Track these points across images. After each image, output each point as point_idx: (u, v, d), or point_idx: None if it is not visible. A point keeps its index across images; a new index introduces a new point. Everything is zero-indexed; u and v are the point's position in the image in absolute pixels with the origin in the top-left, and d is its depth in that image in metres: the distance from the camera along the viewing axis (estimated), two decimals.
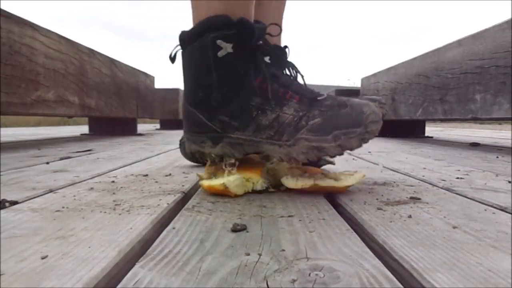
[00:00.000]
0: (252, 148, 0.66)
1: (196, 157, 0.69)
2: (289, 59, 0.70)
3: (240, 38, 0.64)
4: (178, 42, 0.69)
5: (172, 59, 0.70)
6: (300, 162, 0.64)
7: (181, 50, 0.69)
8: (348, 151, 0.63)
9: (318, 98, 0.66)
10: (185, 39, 0.67)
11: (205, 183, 0.65)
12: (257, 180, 0.66)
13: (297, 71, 0.71)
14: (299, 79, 0.71)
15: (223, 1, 0.65)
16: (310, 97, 0.66)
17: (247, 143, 0.66)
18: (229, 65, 0.64)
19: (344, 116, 0.63)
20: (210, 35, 0.63)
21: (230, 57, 0.64)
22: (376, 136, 2.85)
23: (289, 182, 0.66)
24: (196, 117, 0.68)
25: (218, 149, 0.67)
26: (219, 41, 0.63)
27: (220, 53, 0.63)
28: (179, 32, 0.69)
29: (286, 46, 0.70)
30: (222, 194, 0.63)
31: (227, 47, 0.63)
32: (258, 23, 0.67)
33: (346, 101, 0.65)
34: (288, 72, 0.70)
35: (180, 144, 0.94)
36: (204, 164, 0.99)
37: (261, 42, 0.66)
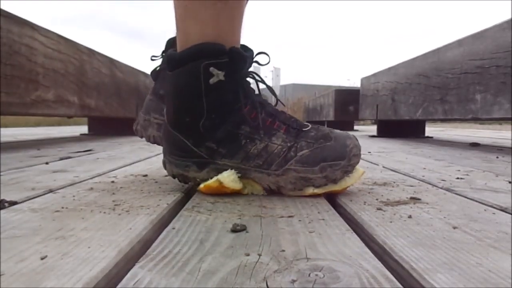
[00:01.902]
0: (240, 175, 0.66)
1: (179, 179, 0.70)
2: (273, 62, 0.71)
3: (232, 66, 0.64)
4: (166, 61, 0.68)
5: (154, 77, 0.70)
6: (286, 191, 0.65)
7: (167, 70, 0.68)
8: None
9: (304, 129, 0.67)
10: (175, 60, 0.66)
11: (201, 184, 0.65)
12: (259, 189, 0.65)
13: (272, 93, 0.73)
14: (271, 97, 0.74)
15: (215, 28, 0.65)
16: (296, 127, 0.67)
17: (234, 169, 0.66)
18: (219, 92, 0.65)
19: (330, 149, 0.65)
20: (203, 61, 0.63)
21: (221, 84, 0.64)
22: (376, 136, 2.83)
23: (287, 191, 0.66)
24: (181, 142, 0.67)
25: (204, 174, 0.66)
26: (211, 68, 0.63)
27: (211, 80, 0.64)
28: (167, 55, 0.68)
29: (263, 52, 0.70)
30: (221, 192, 0.63)
31: (219, 75, 0.64)
32: (247, 51, 0.68)
33: (329, 133, 0.67)
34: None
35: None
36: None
37: (250, 71, 0.67)
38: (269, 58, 0.69)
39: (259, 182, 0.66)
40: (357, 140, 0.68)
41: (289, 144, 0.65)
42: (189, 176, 0.68)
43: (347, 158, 0.65)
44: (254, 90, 0.69)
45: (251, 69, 0.70)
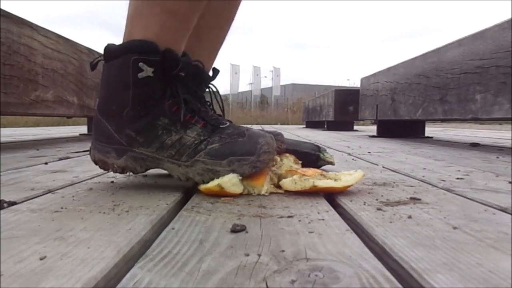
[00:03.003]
0: (154, 164, 0.70)
1: (99, 165, 0.72)
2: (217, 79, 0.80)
3: (163, 66, 0.68)
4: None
5: (93, 67, 0.74)
6: (196, 181, 0.68)
7: (103, 61, 0.72)
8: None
9: (221, 126, 0.71)
10: (110, 52, 0.70)
11: (202, 186, 0.65)
12: (260, 189, 0.66)
13: (216, 95, 0.80)
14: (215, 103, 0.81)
15: (157, 34, 0.69)
16: (214, 124, 0.71)
17: (149, 159, 0.70)
18: (146, 87, 0.68)
19: (240, 144, 0.68)
20: (133, 56, 0.67)
21: (149, 80, 0.68)
22: (376, 137, 2.83)
23: (288, 184, 0.66)
24: (105, 128, 0.71)
25: (122, 161, 0.70)
26: (141, 64, 0.67)
27: (140, 75, 0.67)
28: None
29: (215, 70, 0.78)
30: (221, 195, 0.63)
31: (148, 71, 0.68)
32: (184, 56, 0.72)
33: (245, 131, 0.71)
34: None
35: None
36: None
37: (182, 74, 0.70)
38: (215, 73, 0.77)
39: (170, 173, 0.69)
40: (273, 140, 0.71)
41: (202, 138, 0.69)
42: (109, 163, 0.71)
43: (257, 154, 0.67)
44: (182, 88, 0.72)
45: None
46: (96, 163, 0.73)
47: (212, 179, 0.65)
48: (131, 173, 0.73)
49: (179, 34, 0.72)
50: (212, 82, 0.81)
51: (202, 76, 0.77)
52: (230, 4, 0.91)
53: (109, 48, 0.70)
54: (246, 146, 0.68)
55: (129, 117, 0.69)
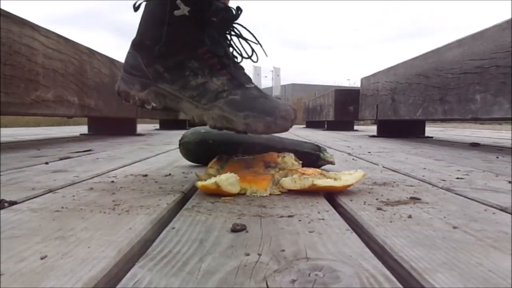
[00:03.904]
0: (173, 103, 0.71)
1: (121, 96, 0.73)
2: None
3: (198, 5, 0.69)
4: None
5: (136, 8, 0.75)
6: (209, 126, 0.70)
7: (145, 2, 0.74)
8: (277, 134, 0.70)
9: (246, 85, 0.72)
10: None
11: (200, 183, 0.65)
12: (262, 192, 0.65)
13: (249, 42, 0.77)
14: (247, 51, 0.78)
15: None
16: (240, 81, 0.72)
17: (170, 96, 0.71)
18: (181, 26, 0.70)
19: (261, 103, 0.69)
20: None
21: (185, 19, 0.69)
22: (376, 136, 2.83)
23: (287, 183, 0.66)
24: (136, 60, 0.73)
25: (144, 94, 0.72)
26: (178, 1, 0.69)
27: (176, 12, 0.69)
28: None
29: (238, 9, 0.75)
30: (218, 193, 0.63)
31: (184, 9, 0.69)
32: (220, 2, 0.72)
33: (267, 95, 0.72)
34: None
35: (179, 145, 0.94)
36: (204, 164, 0.99)
37: (215, 19, 0.71)
38: (240, 11, 0.74)
39: (186, 113, 0.71)
40: (293, 109, 0.71)
41: (226, 88, 0.70)
42: (131, 94, 0.73)
43: (274, 116, 0.68)
44: (218, 39, 0.73)
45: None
46: (119, 94, 0.75)
47: (224, 126, 0.67)
48: (150, 105, 0.73)
49: None
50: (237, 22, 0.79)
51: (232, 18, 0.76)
52: None
53: None
54: (266, 106, 0.69)
55: (161, 53, 0.71)
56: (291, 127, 0.71)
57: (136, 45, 0.75)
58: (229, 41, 0.75)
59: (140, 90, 0.72)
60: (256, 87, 0.73)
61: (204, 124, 0.72)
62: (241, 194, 0.65)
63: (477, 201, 0.61)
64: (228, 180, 0.63)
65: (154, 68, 0.72)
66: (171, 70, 0.71)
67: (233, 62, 0.75)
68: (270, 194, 0.65)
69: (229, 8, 0.74)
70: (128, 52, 0.76)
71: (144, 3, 0.75)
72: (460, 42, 1.87)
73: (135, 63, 0.74)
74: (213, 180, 0.63)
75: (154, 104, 0.72)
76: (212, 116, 0.68)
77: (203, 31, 0.71)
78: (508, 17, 1.53)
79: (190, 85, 0.70)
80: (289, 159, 0.78)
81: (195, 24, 0.71)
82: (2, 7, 1.49)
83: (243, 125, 0.67)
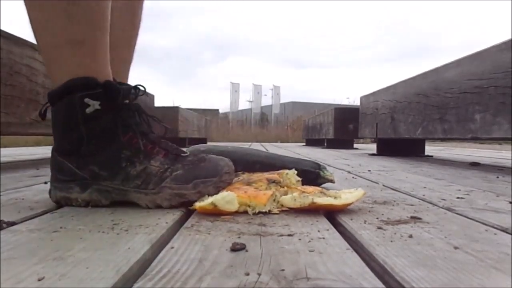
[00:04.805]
0: (119, 196, 0.71)
1: (61, 203, 0.72)
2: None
3: (106, 97, 0.70)
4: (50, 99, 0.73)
5: (42, 115, 0.75)
6: (164, 207, 0.69)
7: (50, 107, 0.74)
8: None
9: (182, 155, 0.75)
10: (54, 96, 0.72)
11: (197, 204, 0.64)
12: (261, 208, 0.65)
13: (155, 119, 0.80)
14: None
15: (83, 65, 0.71)
16: (175, 153, 0.75)
17: (115, 191, 0.71)
18: (97, 120, 0.71)
19: (202, 168, 0.73)
20: (78, 94, 0.69)
21: (98, 113, 0.70)
22: (376, 155, 2.82)
23: (288, 201, 0.66)
24: (65, 166, 0.72)
25: (86, 194, 0.71)
26: (86, 99, 0.69)
27: (88, 110, 0.70)
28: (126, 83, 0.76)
29: (139, 85, 0.77)
30: (215, 213, 0.62)
31: (94, 104, 0.70)
32: (123, 84, 0.75)
33: (205, 157, 0.76)
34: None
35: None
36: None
37: (127, 101, 0.73)
38: (144, 91, 0.77)
39: (137, 202, 0.70)
40: (231, 162, 0.76)
41: (166, 166, 0.72)
42: (71, 198, 0.71)
43: (219, 175, 0.72)
44: (136, 121, 0.74)
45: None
46: (58, 203, 0.72)
47: (179, 203, 0.69)
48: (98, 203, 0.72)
49: (101, 58, 0.74)
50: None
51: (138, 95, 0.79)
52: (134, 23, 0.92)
53: (52, 92, 0.72)
54: (208, 169, 0.72)
55: (89, 153, 0.71)
56: (234, 177, 0.78)
57: (60, 152, 0.74)
58: (141, 117, 0.76)
59: (81, 192, 0.71)
60: (191, 153, 0.77)
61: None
62: (240, 212, 0.64)
63: (478, 221, 0.61)
64: (224, 198, 0.62)
65: (88, 169, 0.71)
66: (106, 166, 0.71)
67: (156, 134, 0.77)
68: (269, 211, 0.65)
69: (131, 87, 0.76)
70: (53, 161, 0.75)
71: (50, 110, 0.75)
72: (458, 62, 1.88)
73: (66, 168, 0.72)
74: (209, 200, 0.63)
75: (102, 202, 0.71)
76: (165, 197, 0.69)
77: (121, 118, 0.72)
78: (507, 37, 1.54)
79: (132, 175, 0.70)
80: (292, 175, 0.78)
81: (109, 114, 0.71)
82: (3, 28, 1.50)
83: (196, 194, 0.69)
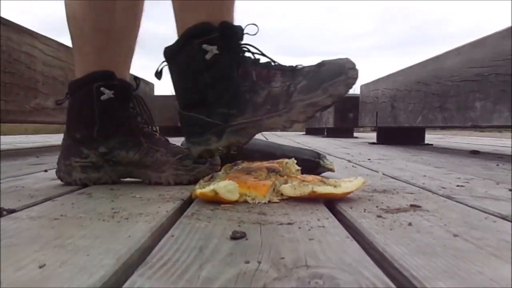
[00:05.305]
0: (255, 129, 0.73)
1: (205, 157, 0.77)
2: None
3: (224, 39, 0.71)
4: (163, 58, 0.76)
5: (158, 74, 0.77)
6: (301, 122, 0.71)
7: (167, 65, 0.76)
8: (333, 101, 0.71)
9: (297, 68, 0.74)
10: (172, 51, 0.74)
11: (198, 190, 0.64)
12: (261, 199, 0.65)
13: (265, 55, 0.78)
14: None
15: (210, 14, 0.72)
16: (290, 69, 0.73)
17: (249, 125, 0.72)
18: (217, 65, 0.71)
19: (325, 72, 0.71)
20: (194, 42, 0.70)
21: (217, 57, 0.70)
22: (376, 144, 2.83)
23: (287, 190, 0.66)
24: (196, 119, 0.74)
25: (224, 140, 0.72)
26: (204, 45, 0.70)
27: (207, 56, 0.70)
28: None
29: (252, 24, 0.77)
30: (217, 201, 0.63)
31: (212, 49, 0.70)
32: (236, 26, 0.75)
33: (321, 62, 0.73)
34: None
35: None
36: None
37: (244, 45, 0.74)
38: (258, 28, 0.75)
39: (274, 127, 0.72)
40: (350, 58, 0.74)
41: (288, 83, 0.71)
42: (212, 149, 0.74)
43: (344, 73, 0.70)
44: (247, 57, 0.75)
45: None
46: (201, 157, 0.76)
47: (315, 112, 0.70)
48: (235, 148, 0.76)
49: (230, 3, 0.76)
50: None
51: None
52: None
53: (167, 48, 0.74)
54: (331, 71, 0.70)
55: (215, 98, 0.72)
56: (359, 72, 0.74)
57: (186, 106, 0.76)
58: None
59: (218, 140, 0.73)
60: (306, 65, 0.75)
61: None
62: (236, 201, 0.64)
63: (477, 209, 0.61)
64: (226, 187, 0.62)
65: (217, 113, 0.72)
66: (233, 104, 0.72)
67: (266, 62, 0.76)
68: (269, 201, 0.65)
69: (240, 26, 0.75)
70: (182, 120, 0.77)
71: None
72: (459, 50, 1.87)
73: (197, 121, 0.74)
74: (211, 187, 0.62)
75: (241, 141, 0.74)
76: (299, 110, 0.69)
77: (234, 57, 0.73)
78: (507, 24, 1.54)
79: (259, 103, 0.71)
80: (292, 164, 0.78)
81: (227, 55, 0.72)
82: (2, 15, 1.49)
83: (328, 98, 0.69)
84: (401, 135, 2.96)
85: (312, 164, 0.95)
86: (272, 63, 0.76)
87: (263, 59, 0.76)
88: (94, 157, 0.81)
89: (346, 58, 0.73)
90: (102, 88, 0.78)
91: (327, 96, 0.69)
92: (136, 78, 0.85)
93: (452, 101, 1.88)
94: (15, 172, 1.06)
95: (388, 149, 2.26)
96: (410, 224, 0.50)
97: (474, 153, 2.03)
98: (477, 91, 1.68)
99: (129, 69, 0.88)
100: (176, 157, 0.80)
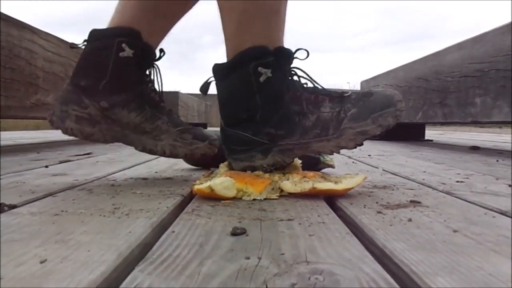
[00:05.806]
0: (301, 151, 0.74)
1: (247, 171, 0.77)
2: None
3: (277, 63, 0.73)
4: (211, 74, 0.78)
5: (205, 91, 0.79)
6: (349, 149, 0.72)
7: (215, 82, 0.77)
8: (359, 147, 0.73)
9: (345, 95, 0.74)
10: (224, 70, 0.75)
11: (196, 186, 0.64)
12: (256, 195, 0.65)
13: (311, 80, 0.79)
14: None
15: (266, 38, 0.74)
16: (338, 96, 0.74)
17: (297, 147, 0.73)
18: (269, 87, 0.73)
19: (374, 102, 0.72)
20: (251, 63, 0.72)
21: (270, 80, 0.73)
22: (376, 139, 2.84)
23: (288, 186, 0.66)
24: (240, 136, 0.75)
25: (269, 159, 0.73)
26: (260, 68, 0.72)
27: (261, 78, 0.72)
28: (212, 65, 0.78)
29: (302, 48, 0.78)
30: (212, 197, 0.63)
31: (267, 72, 0.72)
32: (288, 50, 0.77)
33: (369, 91, 0.75)
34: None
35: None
36: (204, 167, 0.99)
37: (293, 68, 0.76)
38: (308, 53, 0.76)
39: (322, 151, 0.74)
40: (397, 92, 0.76)
41: (337, 109, 0.72)
42: (256, 165, 0.74)
43: (394, 105, 0.71)
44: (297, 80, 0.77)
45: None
46: (244, 171, 0.76)
47: (363, 140, 0.71)
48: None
49: (283, 27, 0.78)
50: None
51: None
52: None
53: (219, 66, 0.76)
54: (380, 101, 0.72)
55: (264, 118, 0.73)
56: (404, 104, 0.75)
57: (231, 124, 0.77)
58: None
59: (263, 158, 0.74)
60: (352, 92, 0.76)
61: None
62: (233, 198, 0.64)
63: (477, 204, 0.61)
64: (223, 183, 0.62)
65: (264, 133, 0.73)
66: (281, 125, 0.73)
67: (312, 87, 0.77)
68: (265, 198, 0.65)
69: (291, 51, 0.77)
70: (224, 137, 0.78)
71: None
72: (460, 46, 1.87)
73: (241, 138, 0.75)
74: (207, 183, 0.62)
75: (286, 161, 0.74)
76: (349, 138, 0.71)
77: (285, 80, 0.75)
78: (507, 20, 1.53)
79: (308, 126, 0.72)
80: (295, 159, 0.78)
81: (279, 78, 0.74)
82: (2, 11, 1.49)
83: (377, 128, 0.70)
84: (401, 131, 2.95)
85: (312, 161, 0.95)
86: (319, 87, 0.77)
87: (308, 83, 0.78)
88: (93, 109, 0.79)
89: (394, 91, 0.75)
90: (123, 45, 0.78)
91: (376, 125, 0.70)
92: (162, 50, 0.86)
93: (452, 97, 1.88)
94: (15, 167, 1.06)
95: (388, 145, 2.26)
96: (410, 220, 0.50)
97: (474, 149, 2.03)
98: (477, 87, 1.68)
99: (160, 39, 0.87)
100: (177, 129, 0.81)
